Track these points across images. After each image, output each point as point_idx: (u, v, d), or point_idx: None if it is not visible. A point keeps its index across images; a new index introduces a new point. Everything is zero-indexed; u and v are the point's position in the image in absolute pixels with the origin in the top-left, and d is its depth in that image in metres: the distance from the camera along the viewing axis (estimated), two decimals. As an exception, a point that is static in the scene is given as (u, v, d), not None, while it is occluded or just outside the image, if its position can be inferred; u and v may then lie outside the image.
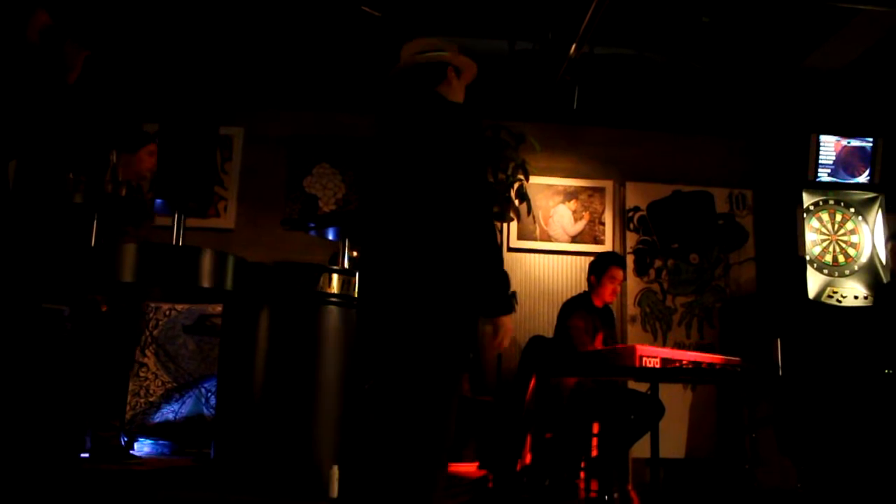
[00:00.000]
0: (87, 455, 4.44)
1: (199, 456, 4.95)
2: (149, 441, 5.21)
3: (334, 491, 3.63)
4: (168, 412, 5.35)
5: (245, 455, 3.69)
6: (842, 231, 5.59)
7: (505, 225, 5.62)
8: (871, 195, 5.63)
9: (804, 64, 5.27)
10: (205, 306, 5.25)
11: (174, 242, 3.58)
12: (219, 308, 4.96)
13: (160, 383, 5.40)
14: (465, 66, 2.68)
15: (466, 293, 2.33)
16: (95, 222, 3.81)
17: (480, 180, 2.41)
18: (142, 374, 5.02)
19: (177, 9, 5.00)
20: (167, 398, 5.37)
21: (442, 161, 2.38)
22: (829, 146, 5.58)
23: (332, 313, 3.60)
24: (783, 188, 5.77)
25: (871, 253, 5.54)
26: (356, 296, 2.84)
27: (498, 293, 2.39)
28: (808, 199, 5.59)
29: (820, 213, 5.61)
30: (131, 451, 4.47)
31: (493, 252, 2.35)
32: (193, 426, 5.29)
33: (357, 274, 3.44)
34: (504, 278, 2.40)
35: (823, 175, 5.59)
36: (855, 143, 5.61)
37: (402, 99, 2.67)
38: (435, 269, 2.32)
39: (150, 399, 5.37)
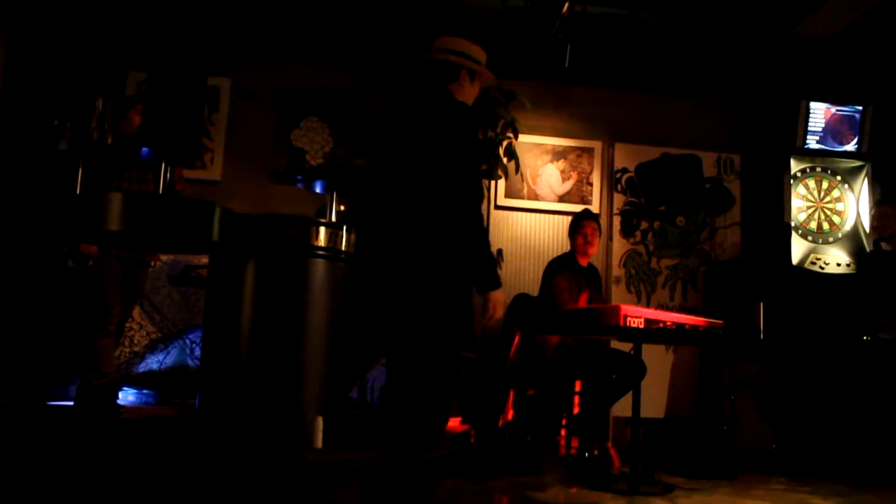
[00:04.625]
0: (72, 403, 4.45)
1: (184, 406, 4.98)
2: (133, 390, 5.24)
3: (319, 441, 3.66)
4: (152, 362, 5.36)
5: (230, 406, 3.71)
6: (827, 199, 5.62)
7: (493, 183, 5.61)
8: (858, 163, 5.65)
9: (796, 30, 5.25)
10: (190, 257, 5.23)
11: (160, 191, 3.55)
12: (204, 259, 4.95)
13: (144, 334, 5.40)
14: (480, 72, 2.92)
15: (459, 272, 2.62)
16: (81, 169, 3.76)
17: (471, 175, 2.69)
18: (126, 325, 5.02)
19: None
20: (151, 348, 5.38)
21: (439, 154, 2.64)
22: (819, 113, 5.58)
23: (319, 266, 3.59)
24: (771, 154, 5.78)
25: (856, 221, 5.58)
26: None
27: (487, 271, 2.69)
28: (795, 166, 5.60)
29: (807, 180, 5.63)
30: (116, 400, 4.47)
31: (481, 238, 2.66)
32: (178, 376, 5.31)
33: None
34: (491, 259, 2.72)
35: (812, 142, 5.60)
36: (844, 110, 5.61)
37: (416, 90, 2.94)
38: (430, 252, 2.60)
39: (135, 349, 5.37)
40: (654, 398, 5.45)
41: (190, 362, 5.34)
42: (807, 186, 5.62)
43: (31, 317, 4.81)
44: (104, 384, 4.32)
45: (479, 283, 2.70)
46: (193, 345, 5.32)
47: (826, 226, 5.58)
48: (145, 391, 5.27)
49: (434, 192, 2.61)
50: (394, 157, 2.76)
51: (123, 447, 3.74)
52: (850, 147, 5.62)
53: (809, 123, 5.58)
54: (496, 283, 2.71)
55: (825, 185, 5.65)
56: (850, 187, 5.64)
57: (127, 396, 5.17)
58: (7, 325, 4.69)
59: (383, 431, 2.57)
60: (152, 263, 4.72)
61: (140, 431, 4.12)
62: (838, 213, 5.62)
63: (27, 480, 2.97)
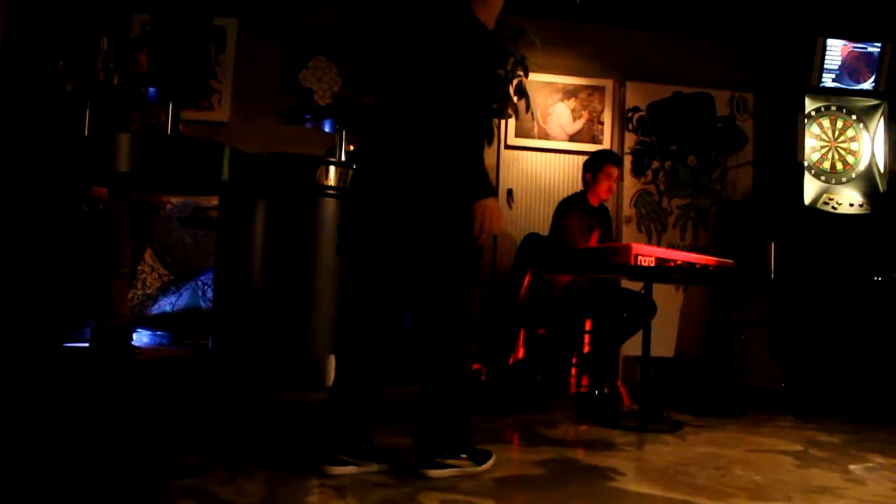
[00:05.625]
0: (87, 345, 4.51)
1: (197, 347, 5.05)
2: (147, 332, 5.30)
3: (330, 380, 3.70)
4: (165, 304, 5.41)
5: (243, 346, 3.75)
6: (842, 138, 5.55)
7: (503, 122, 5.56)
8: (874, 102, 5.56)
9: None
10: (199, 199, 5.23)
11: (169, 132, 3.53)
12: (214, 201, 4.95)
13: (157, 276, 5.44)
14: None
15: (447, 187, 2.42)
16: (88, 111, 3.74)
17: (481, 99, 2.49)
18: (138, 268, 5.06)
19: None
20: (164, 290, 5.43)
21: (449, 73, 2.44)
22: (836, 50, 5.47)
23: (330, 205, 3.59)
24: (785, 93, 5.69)
25: (870, 161, 5.51)
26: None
27: (469, 177, 2.42)
28: (809, 105, 5.52)
29: (821, 120, 5.55)
30: (131, 342, 4.53)
31: (471, 148, 2.43)
32: (190, 318, 5.37)
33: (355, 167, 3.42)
34: (476, 164, 2.44)
35: (827, 80, 5.50)
36: (862, 47, 5.50)
37: (435, 5, 2.67)
38: (424, 179, 2.43)
39: (147, 291, 5.42)
40: (663, 337, 5.48)
41: (202, 304, 5.38)
42: (821, 126, 5.55)
43: (45, 261, 4.85)
44: (119, 326, 4.37)
45: (463, 192, 2.42)
46: (205, 286, 5.36)
47: (840, 166, 5.52)
48: (159, 333, 5.33)
49: (440, 109, 2.43)
50: (405, 73, 2.58)
51: (139, 386, 3.78)
52: (867, 85, 5.52)
53: (825, 61, 5.47)
54: (484, 191, 2.42)
55: (840, 124, 5.57)
56: (866, 127, 5.55)
57: (141, 338, 5.23)
58: (23, 269, 4.73)
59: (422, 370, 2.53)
60: (163, 208, 4.73)
61: (155, 371, 4.17)
62: (853, 153, 5.55)
63: (47, 420, 3.03)
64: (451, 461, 2.45)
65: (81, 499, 2.05)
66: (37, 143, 4.84)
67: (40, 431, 2.81)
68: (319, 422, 2.56)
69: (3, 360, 4.20)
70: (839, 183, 5.48)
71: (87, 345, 4.52)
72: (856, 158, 5.53)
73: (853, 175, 5.51)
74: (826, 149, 5.52)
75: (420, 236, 2.44)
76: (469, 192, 2.42)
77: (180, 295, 5.41)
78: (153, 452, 2.61)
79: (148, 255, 5.31)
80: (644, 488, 2.45)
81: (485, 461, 2.53)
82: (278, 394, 3.48)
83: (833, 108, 5.55)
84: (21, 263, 4.73)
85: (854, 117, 5.56)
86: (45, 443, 2.64)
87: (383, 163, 2.53)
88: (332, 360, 3.66)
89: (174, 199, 5.29)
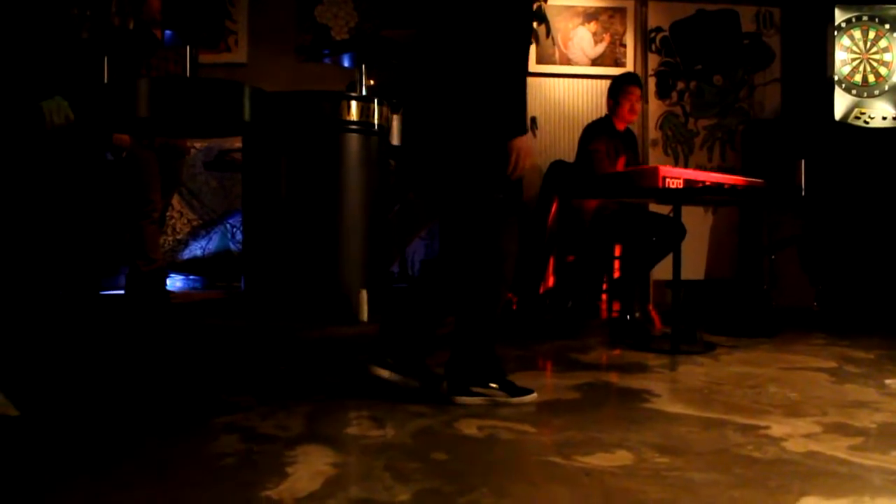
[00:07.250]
0: (122, 292, 4.58)
1: (230, 289, 5.11)
2: (180, 276, 5.37)
3: (364, 315, 3.75)
4: (196, 248, 5.47)
5: (275, 286, 3.79)
6: (874, 49, 5.39)
7: (523, 49, 5.46)
8: (910, 8, 5.38)
9: None
10: (222, 142, 5.23)
11: (187, 75, 3.52)
12: (237, 143, 4.95)
13: (186, 221, 5.49)
14: None
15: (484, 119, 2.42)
16: (106, 58, 3.73)
17: (519, 25, 2.46)
18: (167, 214, 5.10)
19: None
20: (194, 235, 5.48)
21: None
22: (869, -46, 5.29)
23: (354, 140, 3.58)
24: (813, 4, 5.52)
25: (904, 72, 5.36)
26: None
27: (506, 114, 2.42)
28: (840, 16, 5.34)
29: (852, 31, 5.38)
30: (165, 286, 4.60)
31: (510, 77, 2.41)
32: (221, 261, 5.43)
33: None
34: (515, 100, 2.44)
35: (859, -12, 5.33)
36: (898, -51, 5.30)
37: None
38: (459, 99, 2.42)
39: (178, 237, 5.47)
40: (693, 260, 5.45)
41: (232, 246, 5.43)
42: (852, 37, 5.38)
43: (78, 212, 4.90)
44: (153, 271, 4.42)
45: (498, 128, 2.43)
46: (234, 229, 5.41)
47: (872, 78, 5.37)
48: (191, 277, 5.40)
49: (477, 48, 2.41)
50: (441, 13, 2.53)
51: (177, 329, 3.86)
52: (903, -9, 5.35)
53: (858, -34, 5.30)
54: (515, 130, 2.42)
55: (872, 34, 5.39)
56: (900, 35, 5.39)
57: (174, 283, 5.31)
58: (57, 221, 4.78)
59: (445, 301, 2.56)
60: (188, 153, 4.74)
61: (191, 314, 4.25)
62: (885, 65, 5.39)
63: (90, 364, 3.09)
64: (479, 389, 2.49)
65: (126, 437, 2.11)
66: (58, 94, 4.84)
67: (84, 375, 2.87)
68: (354, 350, 2.59)
69: (45, 309, 4.29)
70: (871, 96, 5.34)
71: (122, 291, 4.59)
72: (889, 70, 5.38)
73: (886, 87, 5.37)
74: (857, 61, 5.37)
75: (458, 171, 2.45)
76: (503, 130, 2.42)
77: (210, 239, 5.46)
78: (194, 391, 2.67)
79: (176, 200, 5.35)
80: (679, 408, 2.46)
81: (519, 395, 2.53)
82: (313, 330, 3.53)
83: (865, 17, 5.38)
84: (54, 216, 4.78)
85: (887, 26, 5.39)
86: (88, 386, 2.71)
87: (425, 99, 2.54)
88: (363, 295, 3.70)
89: (198, 144, 5.29)
